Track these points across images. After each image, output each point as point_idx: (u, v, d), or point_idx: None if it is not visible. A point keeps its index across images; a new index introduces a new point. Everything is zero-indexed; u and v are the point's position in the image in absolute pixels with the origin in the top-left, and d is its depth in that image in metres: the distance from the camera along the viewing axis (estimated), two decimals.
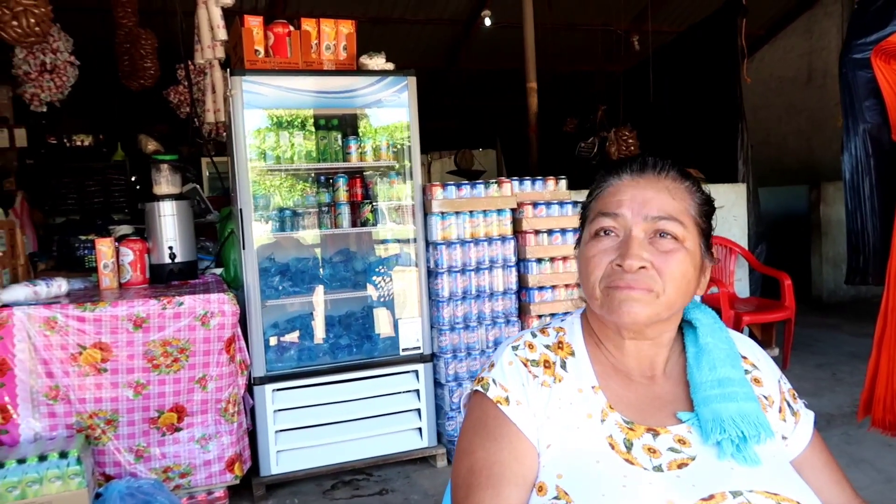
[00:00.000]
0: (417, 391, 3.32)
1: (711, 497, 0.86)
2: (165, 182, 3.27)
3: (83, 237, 3.63)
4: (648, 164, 0.99)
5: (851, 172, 1.64)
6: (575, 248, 1.06)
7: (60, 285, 2.84)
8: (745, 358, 1.05)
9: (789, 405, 1.04)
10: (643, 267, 0.92)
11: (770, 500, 0.86)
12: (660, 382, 1.01)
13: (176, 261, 3.21)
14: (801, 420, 1.03)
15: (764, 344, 4.58)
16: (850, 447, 3.27)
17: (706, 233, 1.00)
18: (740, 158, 5.30)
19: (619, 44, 6.82)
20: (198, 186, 4.08)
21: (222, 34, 3.59)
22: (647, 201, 0.95)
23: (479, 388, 0.99)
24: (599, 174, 1.04)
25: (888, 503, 2.73)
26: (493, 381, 0.98)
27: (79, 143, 7.33)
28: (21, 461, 2.32)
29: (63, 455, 2.36)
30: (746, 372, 1.03)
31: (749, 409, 0.94)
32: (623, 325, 0.96)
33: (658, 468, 0.90)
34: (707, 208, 1.01)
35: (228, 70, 3.13)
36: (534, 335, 1.04)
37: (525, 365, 0.99)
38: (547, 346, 1.02)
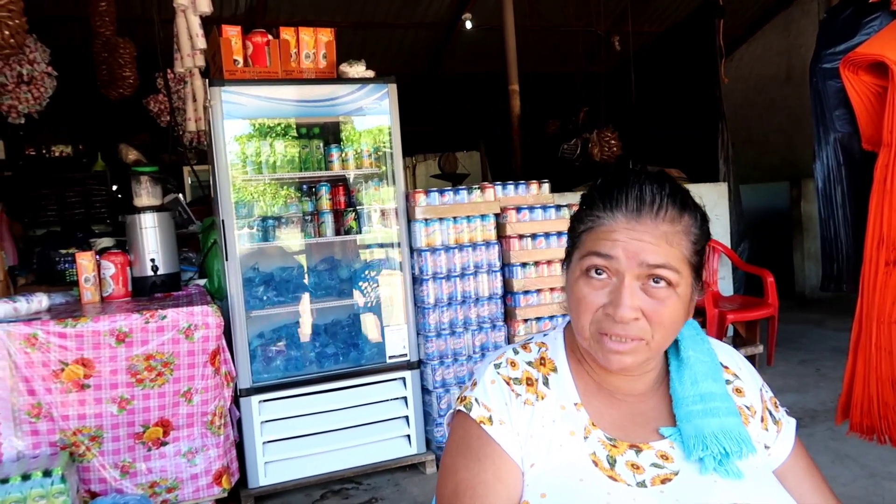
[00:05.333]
0: (405, 398, 3.32)
1: None
2: (146, 194, 3.24)
3: (63, 251, 3.58)
4: (646, 202, 0.92)
5: (823, 181, 1.66)
6: (563, 265, 1.03)
7: (41, 301, 2.81)
8: (726, 368, 1.06)
9: (771, 414, 1.04)
10: (635, 318, 0.91)
11: None
12: (643, 399, 1.02)
13: (158, 273, 3.18)
14: (783, 429, 1.04)
15: (748, 341, 4.62)
16: (834, 443, 3.30)
17: (698, 268, 0.97)
18: (721, 157, 5.35)
19: (600, 45, 6.85)
20: (180, 196, 4.04)
21: (201, 43, 3.58)
22: (643, 249, 0.90)
23: (461, 407, 0.99)
24: (590, 194, 0.98)
25: (871, 498, 2.76)
26: (476, 400, 0.98)
27: (58, 154, 7.25)
28: (4, 481, 2.28)
29: (47, 473, 2.33)
30: (728, 382, 1.03)
31: (731, 424, 0.95)
32: (611, 369, 0.96)
33: (642, 484, 0.91)
34: (702, 242, 0.97)
35: (207, 80, 3.11)
36: (515, 352, 1.04)
37: (508, 383, 0.99)
38: (529, 363, 1.02)
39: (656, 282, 0.91)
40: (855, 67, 1.50)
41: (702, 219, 0.97)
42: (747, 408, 1.02)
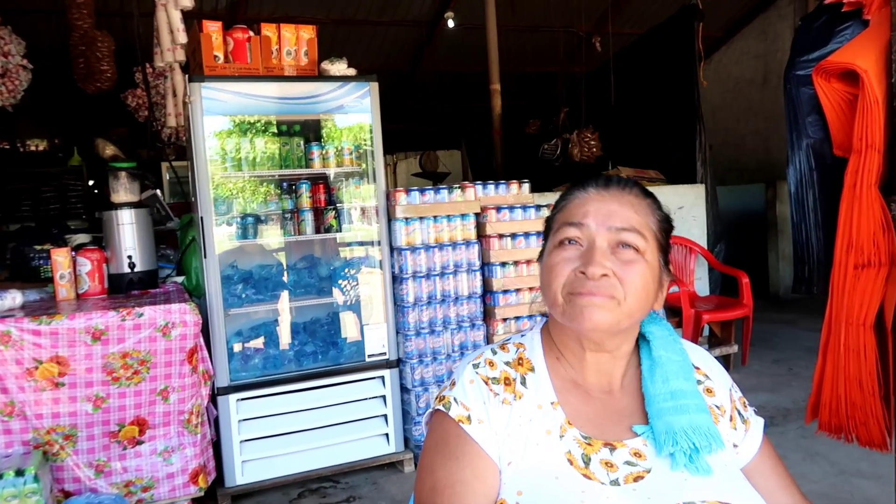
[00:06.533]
0: (384, 397, 3.32)
1: None
2: (124, 190, 3.21)
3: (38, 247, 3.53)
4: (613, 181, 1.03)
5: (796, 185, 1.70)
6: (538, 259, 1.08)
7: (14, 298, 2.77)
8: (697, 368, 1.08)
9: (740, 413, 1.07)
10: (605, 275, 0.95)
11: None
12: (617, 397, 1.04)
13: (135, 270, 3.15)
14: (751, 428, 1.07)
15: (723, 341, 4.69)
16: (805, 441, 3.37)
17: (665, 249, 1.04)
18: (699, 159, 5.41)
19: (581, 46, 6.90)
20: (158, 192, 3.99)
21: (182, 37, 3.53)
22: (612, 213, 0.99)
23: (440, 406, 1.00)
24: (566, 189, 1.07)
25: (840, 494, 2.83)
26: (455, 399, 0.99)
27: (33, 148, 7.13)
28: None
29: (20, 473, 2.30)
30: (699, 382, 1.06)
31: (700, 420, 0.97)
32: (584, 331, 0.97)
33: (615, 482, 0.93)
34: (666, 226, 1.05)
35: (187, 76, 3.08)
36: (494, 352, 1.05)
37: (486, 383, 1.00)
38: (507, 363, 1.03)
39: (625, 247, 0.98)
40: (827, 75, 1.53)
41: (666, 214, 1.06)
42: (717, 407, 1.05)
